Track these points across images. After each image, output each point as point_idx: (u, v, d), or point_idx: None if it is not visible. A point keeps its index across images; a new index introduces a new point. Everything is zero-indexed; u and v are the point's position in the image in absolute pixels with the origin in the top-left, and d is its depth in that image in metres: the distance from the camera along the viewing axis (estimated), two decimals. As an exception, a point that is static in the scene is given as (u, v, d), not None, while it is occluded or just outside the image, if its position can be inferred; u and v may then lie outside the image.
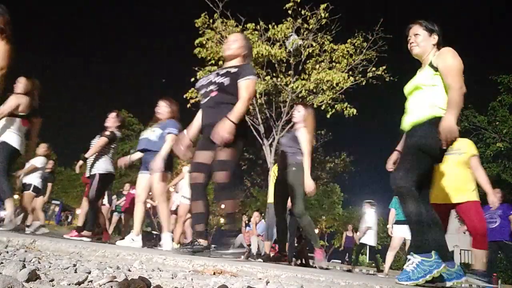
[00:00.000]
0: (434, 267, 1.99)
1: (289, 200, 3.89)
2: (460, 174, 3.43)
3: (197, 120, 2.87)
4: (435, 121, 2.10)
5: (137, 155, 4.04)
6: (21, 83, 3.91)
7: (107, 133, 4.59)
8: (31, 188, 5.80)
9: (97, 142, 4.50)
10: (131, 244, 3.59)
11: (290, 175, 3.71)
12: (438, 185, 3.33)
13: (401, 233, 6.00)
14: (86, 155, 4.50)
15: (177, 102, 4.09)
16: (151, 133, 3.84)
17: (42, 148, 5.96)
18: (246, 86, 2.63)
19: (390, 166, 2.66)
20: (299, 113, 3.97)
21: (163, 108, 3.92)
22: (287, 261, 4.02)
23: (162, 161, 3.60)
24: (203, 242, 2.60)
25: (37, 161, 5.85)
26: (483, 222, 3.46)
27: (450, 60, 2.13)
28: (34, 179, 5.82)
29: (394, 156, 2.68)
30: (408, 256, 2.08)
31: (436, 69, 2.19)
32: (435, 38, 2.31)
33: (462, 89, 2.07)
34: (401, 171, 2.14)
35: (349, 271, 7.95)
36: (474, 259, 3.50)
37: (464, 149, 3.47)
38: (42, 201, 6.50)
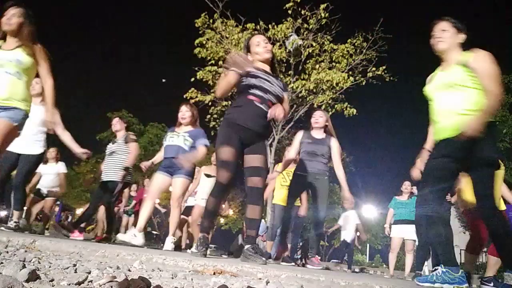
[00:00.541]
0: (456, 282, 2.03)
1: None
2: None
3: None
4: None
5: (159, 158, 4.08)
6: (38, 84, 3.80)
7: (133, 137, 4.67)
8: (53, 194, 5.83)
9: (134, 149, 4.52)
10: (132, 239, 3.57)
11: (323, 183, 3.87)
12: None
13: (399, 233, 6.00)
14: (128, 164, 4.47)
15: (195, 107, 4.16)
16: (183, 141, 3.84)
17: (53, 152, 5.86)
18: (287, 101, 2.81)
19: (419, 168, 2.61)
20: (322, 118, 4.02)
21: (186, 113, 3.95)
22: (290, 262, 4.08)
23: (191, 167, 3.81)
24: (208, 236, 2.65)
25: (62, 168, 5.85)
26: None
27: (492, 65, 2.15)
28: (56, 186, 5.84)
29: (425, 155, 2.60)
30: (437, 267, 2.13)
31: (469, 71, 2.17)
32: (461, 37, 2.31)
33: (500, 96, 2.09)
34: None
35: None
36: (490, 266, 3.47)
37: None
38: (51, 203, 6.48)
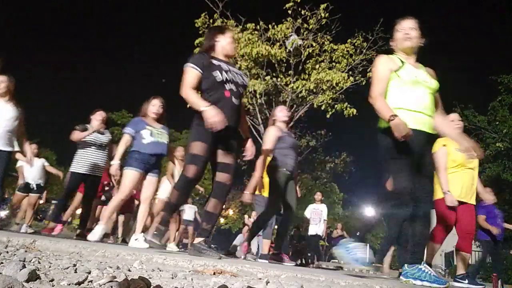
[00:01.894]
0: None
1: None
2: (474, 175, 3.46)
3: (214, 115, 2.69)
4: None
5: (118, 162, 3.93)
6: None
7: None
8: (34, 189, 5.87)
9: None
10: (138, 244, 3.54)
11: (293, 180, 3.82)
12: (466, 184, 3.37)
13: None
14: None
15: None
16: (166, 139, 3.84)
17: (34, 148, 5.97)
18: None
19: None
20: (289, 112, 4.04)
21: (161, 109, 3.89)
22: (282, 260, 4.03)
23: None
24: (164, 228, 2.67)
25: (44, 161, 5.92)
26: (473, 227, 3.49)
27: None
28: (41, 181, 5.90)
29: None
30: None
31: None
32: (422, 41, 2.33)
33: None
34: None
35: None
36: (461, 262, 3.48)
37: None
38: (35, 200, 6.52)
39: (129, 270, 1.34)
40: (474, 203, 3.45)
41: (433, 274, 2.07)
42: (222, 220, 27.14)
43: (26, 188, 5.94)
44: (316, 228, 8.04)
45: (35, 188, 5.98)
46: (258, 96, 10.70)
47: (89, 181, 4.50)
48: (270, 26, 10.44)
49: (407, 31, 2.29)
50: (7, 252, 1.48)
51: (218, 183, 2.62)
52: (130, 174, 3.66)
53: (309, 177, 18.58)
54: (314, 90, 10.52)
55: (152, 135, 3.75)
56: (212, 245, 5.93)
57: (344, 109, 10.53)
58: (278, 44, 10.41)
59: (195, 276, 1.34)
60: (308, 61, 10.68)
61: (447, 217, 3.34)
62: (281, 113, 4.00)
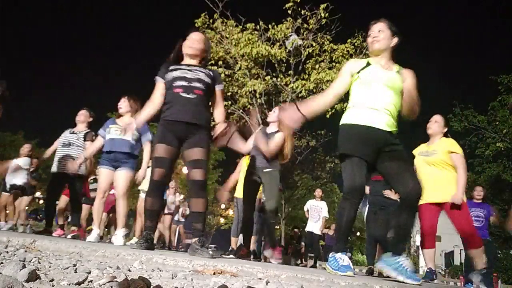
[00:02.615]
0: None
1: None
2: (440, 174, 3.49)
3: (153, 108, 2.75)
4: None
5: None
6: None
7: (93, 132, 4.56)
8: (14, 188, 5.87)
9: (96, 143, 4.45)
10: (116, 240, 3.61)
11: (271, 176, 3.81)
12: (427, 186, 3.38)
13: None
14: (87, 155, 4.30)
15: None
16: (130, 135, 3.73)
17: (26, 148, 6.01)
18: (222, 92, 2.77)
19: None
20: (274, 114, 3.99)
21: (123, 104, 3.92)
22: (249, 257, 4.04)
23: (135, 161, 3.87)
24: (153, 236, 2.68)
25: (21, 161, 5.90)
26: (469, 222, 3.51)
27: (415, 81, 2.38)
28: (18, 180, 5.88)
29: None
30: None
31: (402, 80, 2.34)
32: (394, 41, 2.39)
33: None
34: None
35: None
36: (475, 258, 3.50)
37: (438, 150, 3.54)
38: (27, 201, 6.52)
39: (129, 270, 1.34)
40: (436, 201, 3.47)
41: (409, 270, 2.08)
42: (222, 220, 27.15)
43: (14, 188, 5.98)
44: (314, 225, 7.97)
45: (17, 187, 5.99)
46: (258, 96, 10.71)
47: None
48: (270, 26, 10.44)
49: (375, 34, 2.38)
50: (7, 252, 1.48)
51: (191, 182, 2.60)
52: (100, 172, 3.87)
53: (309, 177, 18.55)
54: (314, 90, 10.52)
55: (114, 132, 3.82)
56: (211, 245, 5.93)
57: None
58: (278, 44, 10.42)
59: (195, 276, 1.34)
60: (308, 61, 10.69)
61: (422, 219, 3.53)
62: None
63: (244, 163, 5.11)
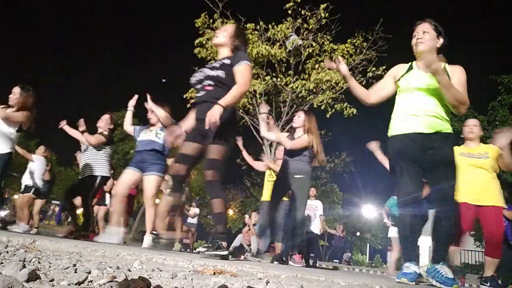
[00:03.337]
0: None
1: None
2: (484, 177, 3.43)
3: (192, 115, 2.83)
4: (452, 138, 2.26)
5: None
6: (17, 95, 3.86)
7: (105, 132, 4.56)
8: (32, 191, 5.84)
9: (97, 136, 4.45)
10: (109, 238, 3.61)
11: (302, 182, 3.79)
12: (468, 187, 3.34)
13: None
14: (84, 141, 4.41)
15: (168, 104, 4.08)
16: (155, 135, 3.89)
17: (41, 150, 5.99)
18: (240, 71, 2.54)
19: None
20: (299, 118, 3.98)
21: (152, 115, 4.01)
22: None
23: (164, 164, 3.89)
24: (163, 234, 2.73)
25: (39, 164, 5.89)
26: (499, 231, 3.40)
27: (465, 77, 2.27)
28: (34, 181, 5.86)
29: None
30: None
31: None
32: (440, 42, 2.33)
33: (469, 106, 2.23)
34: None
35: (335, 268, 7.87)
36: (486, 266, 3.46)
37: (489, 153, 3.46)
38: (41, 204, 6.50)
39: (129, 270, 1.34)
40: (490, 204, 3.36)
41: (446, 275, 2.07)
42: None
43: (26, 190, 5.96)
44: (311, 224, 7.96)
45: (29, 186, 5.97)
46: (258, 96, 10.70)
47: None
48: (270, 26, 10.44)
49: (419, 35, 2.32)
50: (7, 252, 1.48)
51: (206, 183, 2.62)
52: (123, 172, 3.91)
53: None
54: (314, 90, 10.51)
55: (142, 135, 3.92)
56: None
57: (344, 109, 10.52)
58: (278, 44, 10.41)
59: (195, 276, 1.34)
60: (308, 61, 10.68)
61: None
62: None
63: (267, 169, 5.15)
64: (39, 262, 1.28)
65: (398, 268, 6.26)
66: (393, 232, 6.16)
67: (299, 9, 10.21)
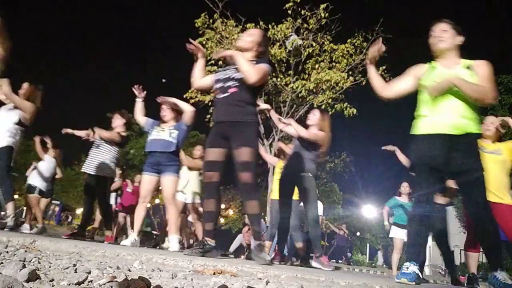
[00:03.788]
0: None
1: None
2: (498, 173, 3.37)
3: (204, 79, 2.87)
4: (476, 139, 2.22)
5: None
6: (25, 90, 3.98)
7: (122, 132, 4.56)
8: (36, 191, 5.82)
9: (113, 133, 4.46)
10: (171, 246, 3.68)
11: (310, 181, 3.78)
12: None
13: (402, 235, 6.01)
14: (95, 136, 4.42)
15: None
16: (168, 135, 3.82)
17: (51, 150, 5.92)
18: (259, 66, 2.60)
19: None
20: (314, 117, 3.97)
21: (166, 111, 3.96)
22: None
23: (178, 164, 3.89)
24: (211, 241, 2.59)
25: (49, 164, 5.86)
26: None
27: (491, 71, 2.25)
28: (40, 182, 5.84)
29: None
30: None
31: (473, 75, 2.23)
32: (460, 39, 2.35)
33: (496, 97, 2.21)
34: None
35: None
36: None
37: (503, 149, 3.44)
38: (45, 203, 6.48)
39: (129, 270, 1.34)
40: (504, 202, 3.33)
41: (503, 281, 2.04)
42: (222, 220, 27.14)
43: (29, 190, 5.93)
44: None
45: (34, 187, 5.94)
46: (258, 96, 10.69)
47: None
48: (270, 26, 10.44)
49: (438, 34, 2.35)
50: (7, 252, 1.48)
51: (240, 185, 2.62)
52: (142, 178, 3.93)
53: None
54: (314, 90, 10.51)
55: (154, 134, 3.86)
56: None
57: (344, 109, 10.52)
58: (278, 44, 10.41)
59: (195, 276, 1.34)
60: (308, 61, 10.68)
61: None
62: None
63: (277, 166, 5.13)
64: (39, 262, 1.28)
65: (398, 268, 6.26)
66: (394, 233, 6.14)
67: (299, 9, 10.21)
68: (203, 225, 2.81)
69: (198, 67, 2.96)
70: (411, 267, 2.14)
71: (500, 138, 3.62)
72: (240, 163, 2.53)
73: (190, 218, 6.55)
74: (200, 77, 2.93)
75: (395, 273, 6.28)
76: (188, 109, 3.85)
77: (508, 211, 3.28)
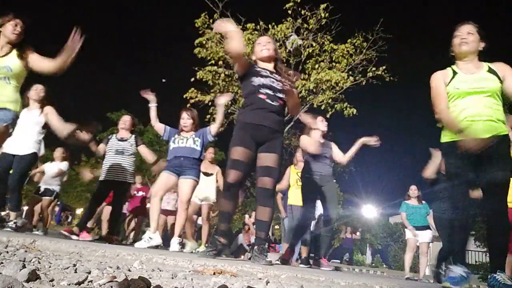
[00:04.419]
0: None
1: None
2: None
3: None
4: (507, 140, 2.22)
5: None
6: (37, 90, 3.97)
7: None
8: (54, 195, 5.82)
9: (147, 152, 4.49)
10: (149, 242, 3.64)
11: (332, 185, 3.99)
12: None
13: (416, 237, 6.04)
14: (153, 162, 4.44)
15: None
16: (193, 143, 3.88)
17: (60, 151, 5.88)
18: (296, 93, 2.75)
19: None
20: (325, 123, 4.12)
21: (188, 121, 3.98)
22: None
23: (198, 169, 3.91)
24: (223, 240, 2.60)
25: (63, 165, 5.85)
26: None
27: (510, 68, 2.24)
28: (55, 185, 5.84)
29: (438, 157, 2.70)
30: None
31: (500, 80, 2.23)
32: (482, 45, 2.32)
33: None
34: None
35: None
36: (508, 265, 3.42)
37: None
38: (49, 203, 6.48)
39: (129, 270, 1.34)
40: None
41: (503, 282, 2.04)
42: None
43: (37, 192, 5.93)
44: (312, 225, 7.91)
45: (43, 191, 5.91)
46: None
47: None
48: (270, 26, 10.43)
49: (464, 35, 2.31)
50: (7, 252, 1.48)
51: (260, 189, 2.60)
52: (160, 175, 3.93)
53: (309, 177, 18.59)
54: (314, 90, 10.51)
55: (178, 142, 3.92)
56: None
57: (344, 109, 10.51)
58: (278, 44, 10.41)
59: (195, 276, 1.34)
60: (308, 61, 10.67)
61: None
62: (321, 123, 4.21)
63: (292, 172, 5.15)
64: (39, 262, 1.28)
65: (410, 269, 6.29)
66: (409, 234, 6.17)
67: (299, 9, 10.20)
68: (218, 225, 2.78)
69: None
70: (457, 270, 2.14)
71: None
72: (266, 167, 2.56)
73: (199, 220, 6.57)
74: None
75: (407, 271, 6.28)
76: (215, 126, 3.98)
77: None
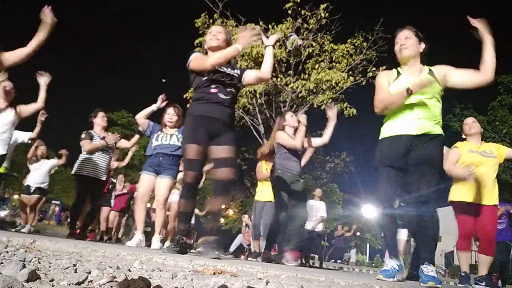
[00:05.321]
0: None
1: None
2: (492, 176, 3.50)
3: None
4: (442, 140, 2.29)
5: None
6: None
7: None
8: (40, 192, 5.85)
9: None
10: (153, 244, 3.71)
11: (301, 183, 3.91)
12: (478, 185, 3.41)
13: (404, 236, 6.05)
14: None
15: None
16: (177, 140, 3.87)
17: (43, 149, 5.94)
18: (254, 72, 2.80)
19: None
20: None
21: (174, 117, 3.97)
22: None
23: (176, 169, 3.91)
24: (187, 240, 2.62)
25: (53, 162, 5.90)
26: (495, 229, 3.50)
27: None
28: (46, 183, 5.88)
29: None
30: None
31: (439, 83, 2.31)
32: (422, 47, 2.40)
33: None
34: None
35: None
36: (481, 265, 3.46)
37: (496, 153, 3.55)
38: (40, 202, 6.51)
39: (129, 270, 1.34)
40: (491, 203, 3.43)
41: (426, 273, 2.10)
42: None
43: (26, 191, 5.95)
44: (312, 224, 7.91)
45: (32, 191, 5.94)
46: (258, 96, 10.70)
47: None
48: (270, 26, 10.44)
49: (402, 41, 2.39)
50: (7, 252, 1.48)
51: (218, 181, 2.57)
52: (141, 178, 3.93)
53: (309, 177, 18.57)
54: (314, 90, 10.51)
55: (161, 139, 3.89)
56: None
57: (344, 109, 10.52)
58: (278, 44, 10.41)
59: (195, 276, 1.34)
60: (308, 61, 10.68)
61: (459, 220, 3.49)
62: (291, 119, 4.07)
63: (263, 166, 5.09)
64: (39, 262, 1.28)
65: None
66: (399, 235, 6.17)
67: (299, 9, 10.21)
68: (178, 225, 2.73)
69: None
70: (390, 263, 2.24)
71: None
72: (224, 159, 2.54)
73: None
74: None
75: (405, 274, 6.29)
76: None
77: (492, 212, 3.41)
